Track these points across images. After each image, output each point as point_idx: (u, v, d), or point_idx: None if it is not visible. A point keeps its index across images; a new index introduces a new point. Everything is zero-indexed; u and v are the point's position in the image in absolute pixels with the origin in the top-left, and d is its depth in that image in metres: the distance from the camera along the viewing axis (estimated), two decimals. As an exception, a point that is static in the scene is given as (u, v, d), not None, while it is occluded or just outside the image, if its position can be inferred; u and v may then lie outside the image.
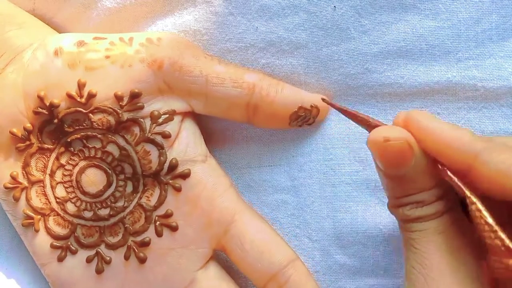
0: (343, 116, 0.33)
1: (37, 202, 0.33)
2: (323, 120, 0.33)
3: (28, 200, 0.33)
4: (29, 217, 0.33)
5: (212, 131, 0.35)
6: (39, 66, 0.32)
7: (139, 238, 0.32)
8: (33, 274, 0.35)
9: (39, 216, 0.33)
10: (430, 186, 0.27)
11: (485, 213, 0.25)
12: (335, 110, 0.33)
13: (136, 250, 0.32)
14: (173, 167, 0.32)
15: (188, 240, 0.32)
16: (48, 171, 0.33)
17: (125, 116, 0.32)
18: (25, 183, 0.33)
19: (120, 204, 0.32)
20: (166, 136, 0.32)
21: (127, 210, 0.32)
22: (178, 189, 0.32)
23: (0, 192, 0.33)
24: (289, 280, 0.32)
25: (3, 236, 0.36)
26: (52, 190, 0.33)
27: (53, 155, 0.33)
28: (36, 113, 0.32)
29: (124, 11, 0.34)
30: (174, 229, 0.32)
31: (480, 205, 0.25)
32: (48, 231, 0.32)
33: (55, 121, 0.32)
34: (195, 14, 0.33)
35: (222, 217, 0.32)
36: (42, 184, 0.33)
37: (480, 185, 0.26)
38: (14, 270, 0.36)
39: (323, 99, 0.31)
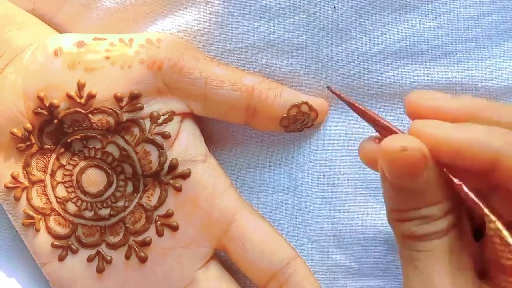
0: (343, 117, 0.33)
1: (38, 202, 0.33)
2: (321, 123, 0.34)
3: (29, 200, 0.33)
4: (29, 217, 0.33)
5: (212, 131, 0.35)
6: (39, 67, 0.32)
7: (140, 238, 0.32)
8: (33, 274, 0.35)
9: (39, 216, 0.33)
10: (439, 200, 0.26)
11: (505, 233, 0.24)
12: (334, 112, 0.33)
13: (137, 250, 0.32)
14: (173, 167, 0.32)
15: (188, 239, 0.32)
16: (49, 171, 0.33)
17: (125, 117, 0.32)
18: (26, 183, 0.33)
19: (120, 204, 0.32)
20: (166, 136, 0.32)
21: (128, 210, 0.32)
22: (178, 189, 0.32)
23: (1, 192, 0.33)
24: (289, 279, 0.32)
25: (3, 236, 0.36)
26: (52, 190, 0.33)
27: (54, 155, 0.33)
28: (36, 113, 0.32)
29: (124, 11, 0.34)
30: (174, 229, 0.32)
31: (499, 224, 0.24)
32: (49, 230, 0.33)
33: (55, 121, 0.32)
34: (195, 14, 0.33)
35: (222, 216, 0.32)
36: (42, 184, 0.33)
37: (507, 184, 0.25)
38: (14, 270, 0.36)
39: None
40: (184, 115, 0.33)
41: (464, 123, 0.26)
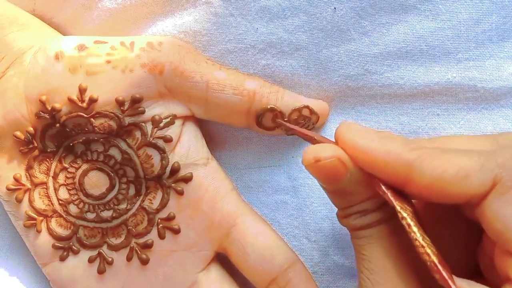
0: (343, 119, 0.34)
1: (40, 203, 0.33)
2: (322, 125, 0.34)
3: (31, 201, 0.33)
4: (31, 218, 0.33)
5: (212, 132, 0.35)
6: (40, 70, 0.32)
7: (141, 240, 0.33)
8: (34, 273, 0.36)
9: (41, 218, 0.33)
10: (370, 196, 0.28)
11: (414, 228, 0.25)
12: (335, 113, 0.33)
13: (139, 252, 0.33)
14: (175, 170, 0.32)
15: (190, 242, 0.33)
16: (51, 174, 0.33)
17: (127, 120, 0.32)
18: (28, 185, 0.33)
19: (123, 206, 0.33)
20: (167, 140, 0.32)
21: (130, 213, 0.33)
22: (180, 193, 0.32)
23: (3, 194, 0.33)
24: (289, 283, 0.32)
25: (3, 236, 0.36)
26: (55, 192, 0.33)
27: (56, 158, 0.33)
28: (38, 117, 0.32)
29: (124, 12, 0.34)
30: (176, 231, 0.32)
31: (409, 220, 0.25)
32: (50, 232, 0.33)
33: (57, 125, 0.32)
34: (195, 15, 0.33)
35: (224, 220, 0.33)
36: (45, 186, 0.33)
37: (420, 195, 0.26)
38: (15, 269, 0.36)
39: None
40: (186, 118, 0.33)
41: (386, 133, 0.27)
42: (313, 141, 0.30)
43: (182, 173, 0.32)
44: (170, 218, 0.32)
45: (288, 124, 0.32)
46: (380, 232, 0.28)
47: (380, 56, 0.32)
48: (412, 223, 0.25)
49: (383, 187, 0.26)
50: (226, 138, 0.35)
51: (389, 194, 0.26)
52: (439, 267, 0.24)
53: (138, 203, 0.33)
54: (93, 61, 0.32)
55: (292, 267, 0.32)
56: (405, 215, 0.25)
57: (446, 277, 0.24)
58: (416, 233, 0.25)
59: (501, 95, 0.32)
